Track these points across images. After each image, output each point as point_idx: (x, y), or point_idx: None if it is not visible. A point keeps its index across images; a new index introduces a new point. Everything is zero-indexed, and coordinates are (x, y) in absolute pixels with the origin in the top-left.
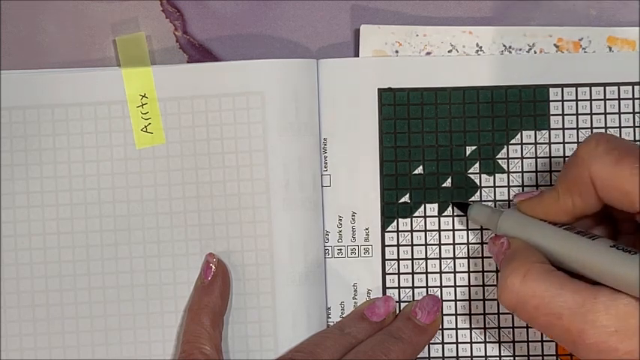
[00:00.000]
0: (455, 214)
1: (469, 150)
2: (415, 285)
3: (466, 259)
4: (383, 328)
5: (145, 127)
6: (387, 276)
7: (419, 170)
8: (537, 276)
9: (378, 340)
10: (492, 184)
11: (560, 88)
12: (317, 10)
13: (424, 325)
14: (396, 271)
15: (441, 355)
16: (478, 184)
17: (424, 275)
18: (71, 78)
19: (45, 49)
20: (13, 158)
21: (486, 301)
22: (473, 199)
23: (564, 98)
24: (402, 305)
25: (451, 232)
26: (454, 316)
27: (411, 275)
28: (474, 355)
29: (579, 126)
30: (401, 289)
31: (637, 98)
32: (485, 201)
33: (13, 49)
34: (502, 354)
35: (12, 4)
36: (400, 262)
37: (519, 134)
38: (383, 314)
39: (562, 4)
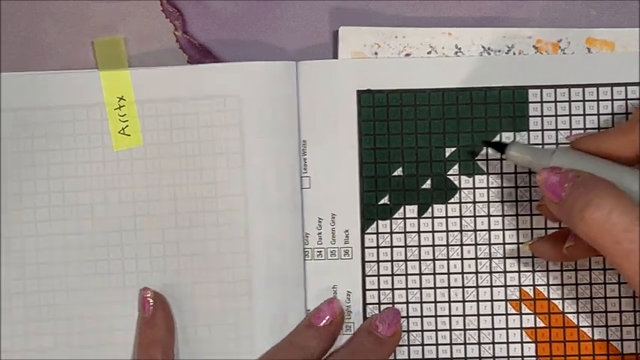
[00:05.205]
0: (433, 215)
1: (448, 151)
2: (395, 287)
3: (446, 261)
4: (333, 331)
5: (123, 129)
6: (366, 278)
7: (398, 172)
8: (628, 205)
9: (341, 355)
10: (472, 186)
11: (539, 90)
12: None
13: (385, 338)
14: (376, 273)
15: (421, 357)
16: (458, 185)
17: (404, 277)
18: (49, 81)
19: (45, 50)
20: None
21: (466, 303)
22: (452, 200)
23: (543, 99)
24: (382, 307)
25: (430, 233)
26: (434, 318)
27: (390, 277)
28: (453, 356)
29: (558, 127)
30: (381, 291)
31: (616, 99)
32: (464, 202)
33: (13, 49)
34: (482, 355)
35: (12, 4)
36: (380, 263)
37: (498, 135)
38: (330, 317)
39: (562, 4)
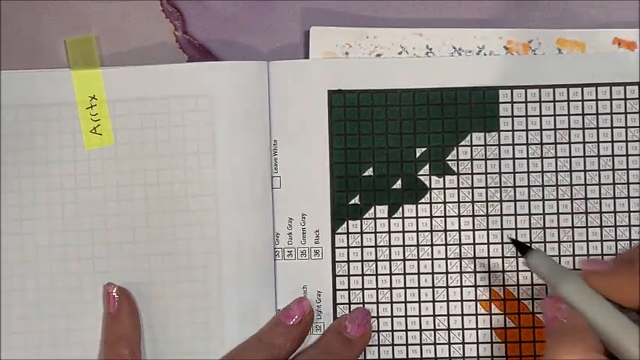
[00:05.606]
0: (404, 215)
1: (419, 152)
2: (365, 287)
3: (416, 261)
4: (301, 330)
5: (94, 128)
6: (337, 278)
7: (369, 172)
8: None
9: (309, 355)
10: (442, 186)
11: (509, 90)
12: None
13: (354, 339)
14: (346, 273)
15: (392, 357)
16: (428, 185)
17: (374, 277)
18: (20, 79)
19: (45, 50)
20: None
21: (436, 303)
22: (423, 200)
23: (514, 100)
24: (352, 307)
25: (401, 233)
26: (404, 318)
27: (361, 277)
28: (423, 356)
29: (528, 127)
30: (351, 291)
31: (586, 100)
32: (435, 202)
33: (13, 49)
34: (452, 355)
35: (12, 4)
36: (350, 263)
37: (469, 136)
38: (299, 316)
39: (562, 4)
